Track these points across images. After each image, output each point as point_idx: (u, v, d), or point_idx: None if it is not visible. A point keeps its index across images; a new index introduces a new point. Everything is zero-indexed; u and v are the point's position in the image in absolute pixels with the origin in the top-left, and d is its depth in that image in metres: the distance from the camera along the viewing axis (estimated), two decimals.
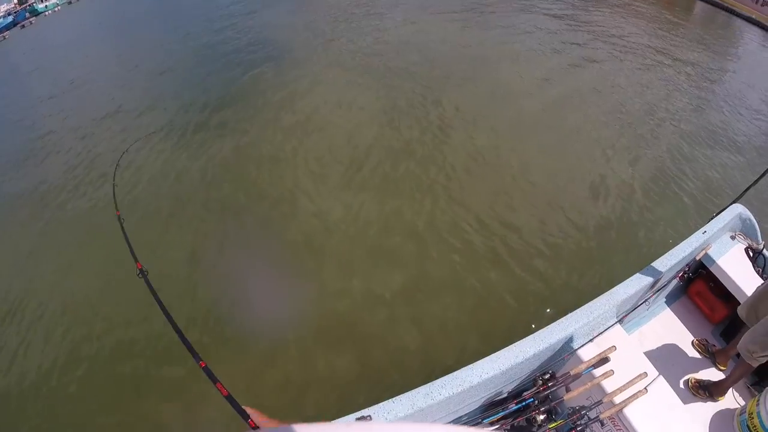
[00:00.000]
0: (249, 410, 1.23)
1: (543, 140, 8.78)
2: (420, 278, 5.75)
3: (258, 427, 1.22)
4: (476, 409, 2.77)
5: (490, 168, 7.97)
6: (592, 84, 11.45)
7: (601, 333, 2.90)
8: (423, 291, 5.58)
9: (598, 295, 3.02)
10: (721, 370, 3.32)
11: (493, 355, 2.61)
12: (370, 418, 2.39)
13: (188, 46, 16.34)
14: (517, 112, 9.82)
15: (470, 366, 2.56)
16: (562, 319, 2.81)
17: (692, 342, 3.51)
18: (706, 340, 3.50)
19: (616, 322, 2.98)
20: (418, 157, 8.23)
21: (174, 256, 6.46)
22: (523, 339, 2.70)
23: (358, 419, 2.39)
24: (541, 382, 2.74)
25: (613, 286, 3.09)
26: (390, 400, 2.45)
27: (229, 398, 1.34)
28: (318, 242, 6.46)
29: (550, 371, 2.82)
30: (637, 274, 3.15)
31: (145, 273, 2.28)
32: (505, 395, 2.84)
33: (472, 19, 16.73)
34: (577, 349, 2.80)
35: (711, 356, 3.39)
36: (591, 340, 2.85)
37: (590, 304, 2.92)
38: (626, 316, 3.03)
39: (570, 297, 5.11)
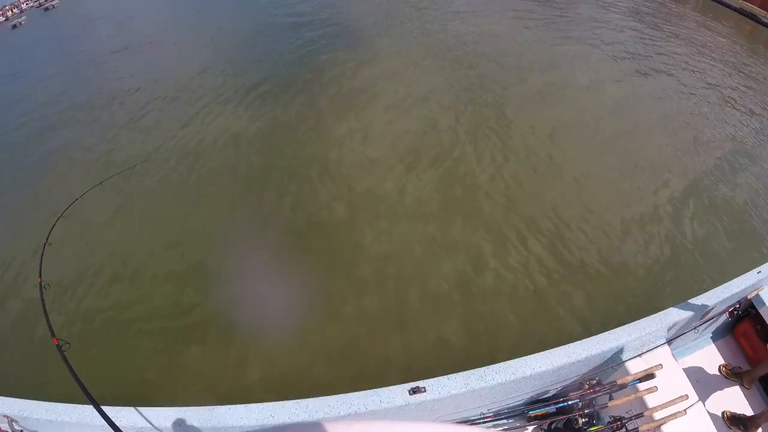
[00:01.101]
0: None
1: (614, 158, 8.85)
2: (494, 278, 6.10)
3: None
4: (522, 402, 2.89)
5: (558, 178, 8.15)
6: (667, 110, 11.20)
7: (650, 350, 2.98)
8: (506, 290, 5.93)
9: (649, 314, 3.11)
10: (747, 389, 3.36)
11: (546, 352, 2.73)
12: (425, 390, 2.56)
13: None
14: (592, 130, 9.83)
15: (524, 358, 2.70)
16: (616, 329, 2.91)
17: (719, 366, 3.56)
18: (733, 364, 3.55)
19: (664, 343, 3.06)
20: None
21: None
22: (577, 342, 2.81)
23: (413, 389, 2.57)
24: (587, 386, 2.85)
25: (663, 308, 3.17)
26: (445, 376, 2.61)
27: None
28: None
29: (597, 378, 2.92)
30: (690, 300, 3.21)
31: None
32: (551, 394, 2.96)
33: (544, 22, 16.62)
34: (625, 361, 2.90)
35: (738, 378, 3.44)
36: (639, 355, 2.95)
37: (644, 320, 3.01)
38: (675, 339, 3.11)
39: (621, 309, 5.24)
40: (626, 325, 2.97)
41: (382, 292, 6.07)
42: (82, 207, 5.22)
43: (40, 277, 3.17)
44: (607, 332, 2.90)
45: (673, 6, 20.89)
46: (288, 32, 15.83)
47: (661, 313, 3.08)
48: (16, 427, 2.97)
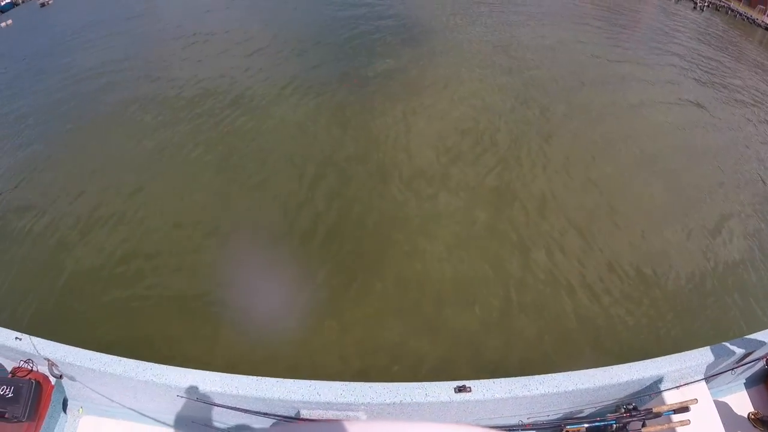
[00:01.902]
0: None
1: (671, 185, 8.86)
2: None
3: None
4: (558, 417, 2.91)
5: (613, 205, 8.15)
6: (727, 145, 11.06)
7: (687, 384, 3.00)
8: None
9: (689, 348, 3.13)
10: None
11: (590, 370, 2.76)
12: (470, 390, 2.59)
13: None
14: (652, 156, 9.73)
15: (569, 373, 2.72)
16: (658, 358, 2.93)
17: (749, 413, 3.55)
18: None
19: (702, 379, 3.07)
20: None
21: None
22: (619, 365, 2.83)
23: (459, 387, 2.59)
24: (623, 409, 2.87)
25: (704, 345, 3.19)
26: (491, 379, 2.64)
27: None
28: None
29: (633, 403, 2.94)
30: (732, 341, 3.23)
31: None
32: (587, 413, 2.98)
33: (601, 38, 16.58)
34: (662, 391, 2.92)
35: (764, 427, 3.43)
36: (677, 387, 2.96)
37: (686, 353, 3.03)
38: (712, 377, 3.12)
39: (655, 340, 5.29)
40: (668, 356, 2.99)
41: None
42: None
43: None
44: (649, 360, 2.92)
45: (738, 37, 20.57)
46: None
47: (703, 348, 3.10)
48: (55, 371, 3.01)
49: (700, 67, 15.76)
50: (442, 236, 7.13)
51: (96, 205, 8.17)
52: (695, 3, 22.83)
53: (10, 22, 21.03)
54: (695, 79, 14.52)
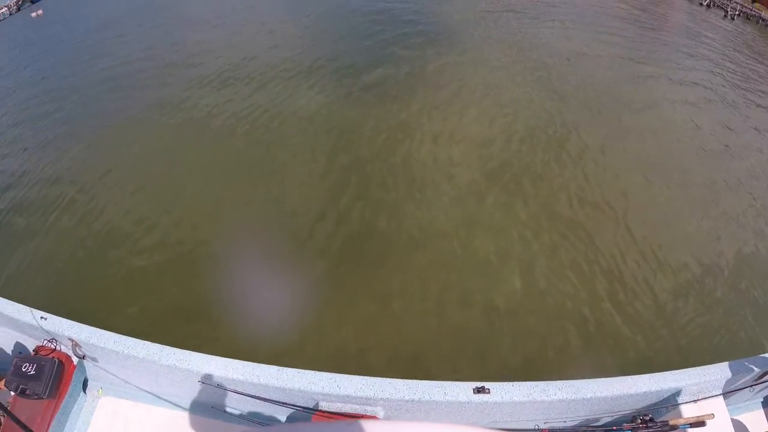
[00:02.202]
0: None
1: (702, 204, 8.75)
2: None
3: None
4: (575, 424, 2.90)
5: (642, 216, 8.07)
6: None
7: (705, 398, 2.98)
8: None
9: (708, 363, 3.12)
10: None
11: (609, 379, 2.75)
12: (489, 392, 2.60)
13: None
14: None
15: (587, 380, 2.72)
16: (678, 371, 2.92)
17: None
18: None
19: (720, 394, 3.05)
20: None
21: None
22: (639, 375, 2.83)
23: (478, 388, 2.61)
24: (639, 420, 2.85)
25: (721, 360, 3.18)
26: (510, 382, 2.65)
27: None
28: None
29: (650, 414, 2.92)
30: (752, 357, 3.21)
31: None
32: (603, 421, 2.97)
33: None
34: (680, 404, 2.90)
35: None
36: (694, 401, 2.95)
37: (705, 367, 3.01)
38: (731, 393, 3.10)
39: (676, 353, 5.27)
40: (688, 369, 2.98)
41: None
42: None
43: None
44: (669, 372, 2.91)
45: None
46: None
47: (722, 363, 3.08)
48: (78, 352, 3.06)
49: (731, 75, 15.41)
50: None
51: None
52: (726, 11, 22.71)
53: (41, 12, 21.01)
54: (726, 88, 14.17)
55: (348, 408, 2.61)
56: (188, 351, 2.73)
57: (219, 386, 2.66)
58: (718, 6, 23.36)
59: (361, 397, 2.55)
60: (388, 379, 2.60)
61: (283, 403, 2.64)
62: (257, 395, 2.64)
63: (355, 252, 6.98)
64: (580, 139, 10.06)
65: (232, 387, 2.65)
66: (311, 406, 2.63)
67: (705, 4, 23.49)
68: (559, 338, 5.53)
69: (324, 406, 2.60)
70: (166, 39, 15.64)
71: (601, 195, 8.34)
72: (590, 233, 7.48)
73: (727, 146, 10.82)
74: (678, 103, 12.70)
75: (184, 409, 3.10)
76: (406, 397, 2.55)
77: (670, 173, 9.55)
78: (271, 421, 2.89)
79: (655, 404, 2.94)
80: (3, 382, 3.00)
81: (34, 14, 20.63)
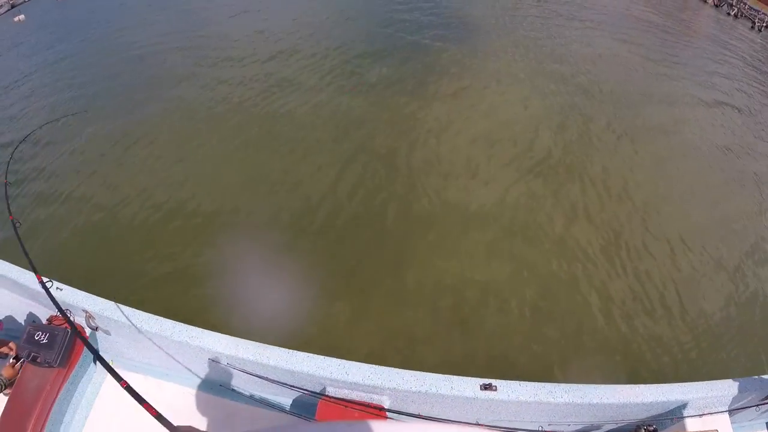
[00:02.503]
0: (183, 429, 1.21)
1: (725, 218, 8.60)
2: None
3: None
4: (579, 429, 2.91)
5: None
6: None
7: (710, 413, 2.97)
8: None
9: (716, 378, 3.10)
10: None
11: (616, 386, 2.75)
12: (495, 389, 2.61)
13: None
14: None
15: (595, 385, 2.72)
16: (686, 383, 2.91)
17: None
18: None
19: (726, 411, 3.04)
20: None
21: None
22: (646, 384, 2.82)
23: (485, 385, 2.61)
24: (644, 430, 2.85)
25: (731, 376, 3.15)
26: (517, 381, 2.65)
27: (159, 417, 1.33)
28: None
29: (654, 425, 2.92)
30: (758, 376, 3.18)
31: None
32: (606, 429, 2.97)
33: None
34: (685, 417, 2.89)
35: None
36: (699, 415, 2.93)
37: (713, 382, 3.00)
38: (736, 411, 3.08)
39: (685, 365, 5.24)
40: (695, 383, 2.97)
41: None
42: None
43: None
44: (676, 383, 2.90)
45: None
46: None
47: (730, 380, 3.06)
48: (92, 323, 3.10)
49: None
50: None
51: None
52: (753, 22, 22.31)
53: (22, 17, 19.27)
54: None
55: (354, 395, 2.63)
56: (200, 329, 2.76)
57: (228, 365, 2.69)
58: (745, 17, 22.94)
59: (369, 385, 2.57)
60: (396, 369, 2.62)
61: (291, 386, 2.67)
62: (266, 376, 2.67)
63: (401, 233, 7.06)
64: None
65: (241, 366, 2.68)
66: (318, 391, 2.66)
67: (732, 14, 23.07)
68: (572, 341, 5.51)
69: (331, 391, 2.62)
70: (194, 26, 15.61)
71: (628, 205, 8.26)
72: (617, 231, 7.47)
73: None
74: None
75: (193, 386, 3.14)
76: (413, 389, 2.56)
77: (688, 186, 9.45)
78: (278, 403, 2.92)
79: (660, 415, 2.93)
80: (15, 349, 3.07)
81: (15, 19, 19.36)
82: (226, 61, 12.53)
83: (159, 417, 1.33)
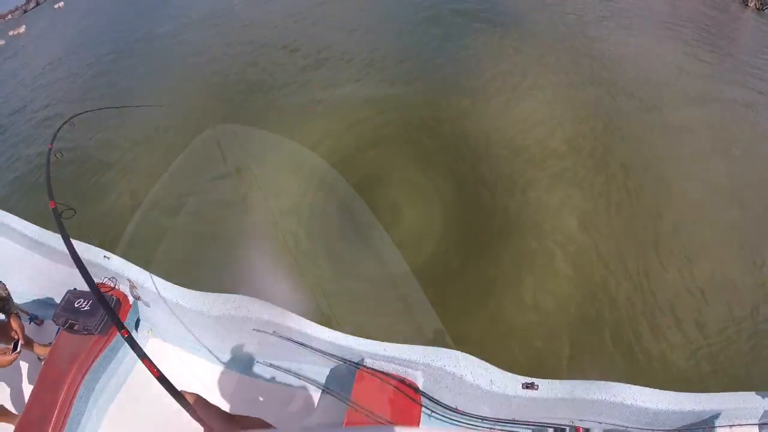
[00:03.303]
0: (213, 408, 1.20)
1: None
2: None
3: None
4: (608, 429, 2.92)
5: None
6: None
7: (741, 425, 2.97)
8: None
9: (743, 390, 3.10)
10: None
11: (652, 389, 2.77)
12: (537, 388, 2.65)
13: None
14: None
15: (629, 386, 2.74)
16: (720, 393, 2.92)
17: None
18: None
19: (756, 424, 3.04)
20: None
21: None
22: (682, 392, 2.83)
23: (527, 384, 2.65)
24: None
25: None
26: (557, 380, 2.70)
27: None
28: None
29: None
30: None
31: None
32: None
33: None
34: (715, 428, 2.90)
35: None
36: (729, 426, 2.94)
37: (744, 393, 3.00)
38: (766, 425, 3.08)
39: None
40: (727, 393, 2.97)
41: None
42: None
43: None
44: (711, 393, 2.91)
45: None
46: None
47: (762, 392, 3.07)
48: (135, 293, 3.17)
49: None
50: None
51: None
52: None
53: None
54: None
55: (390, 368, 2.71)
56: (249, 297, 2.84)
57: (275, 333, 2.75)
58: None
59: (404, 359, 2.66)
60: (431, 347, 2.69)
61: (332, 355, 2.73)
62: (309, 344, 2.74)
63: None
64: None
65: (286, 335, 2.75)
66: (356, 361, 2.72)
67: None
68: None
69: (369, 362, 2.68)
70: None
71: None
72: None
73: None
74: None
75: (226, 363, 3.19)
76: (447, 368, 2.61)
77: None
78: (314, 378, 2.96)
79: (692, 425, 2.93)
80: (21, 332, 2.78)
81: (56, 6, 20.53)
82: None
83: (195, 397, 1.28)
